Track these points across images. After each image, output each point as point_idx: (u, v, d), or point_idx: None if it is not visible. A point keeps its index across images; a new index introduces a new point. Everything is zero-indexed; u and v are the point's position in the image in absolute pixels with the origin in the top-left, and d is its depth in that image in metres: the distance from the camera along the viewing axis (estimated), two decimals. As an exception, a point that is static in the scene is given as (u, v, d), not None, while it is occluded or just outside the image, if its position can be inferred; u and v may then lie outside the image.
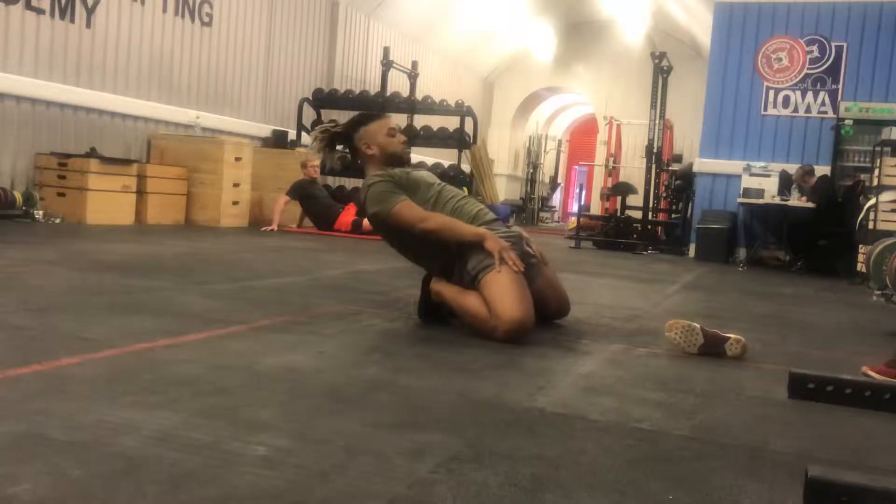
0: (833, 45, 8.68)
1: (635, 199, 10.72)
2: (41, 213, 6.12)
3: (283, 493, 1.21)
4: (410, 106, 9.63)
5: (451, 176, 8.98)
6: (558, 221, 18.26)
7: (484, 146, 12.50)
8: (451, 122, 9.69)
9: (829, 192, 7.98)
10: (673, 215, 10.75)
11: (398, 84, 10.67)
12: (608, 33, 14.99)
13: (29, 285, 3.10)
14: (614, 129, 14.12)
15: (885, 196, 6.64)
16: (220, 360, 2.08)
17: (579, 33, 15.70)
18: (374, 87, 10.73)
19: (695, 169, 9.46)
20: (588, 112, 18.21)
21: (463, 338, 2.67)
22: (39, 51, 6.44)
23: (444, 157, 10.38)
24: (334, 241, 6.98)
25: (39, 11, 6.41)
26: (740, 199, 8.64)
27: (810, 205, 7.98)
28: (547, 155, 17.91)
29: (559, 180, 19.18)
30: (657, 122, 9.70)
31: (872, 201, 6.69)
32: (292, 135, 9.55)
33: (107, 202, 6.53)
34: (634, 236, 9.65)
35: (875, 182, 6.94)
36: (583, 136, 20.29)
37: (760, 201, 8.45)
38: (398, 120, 9.78)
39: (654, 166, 9.81)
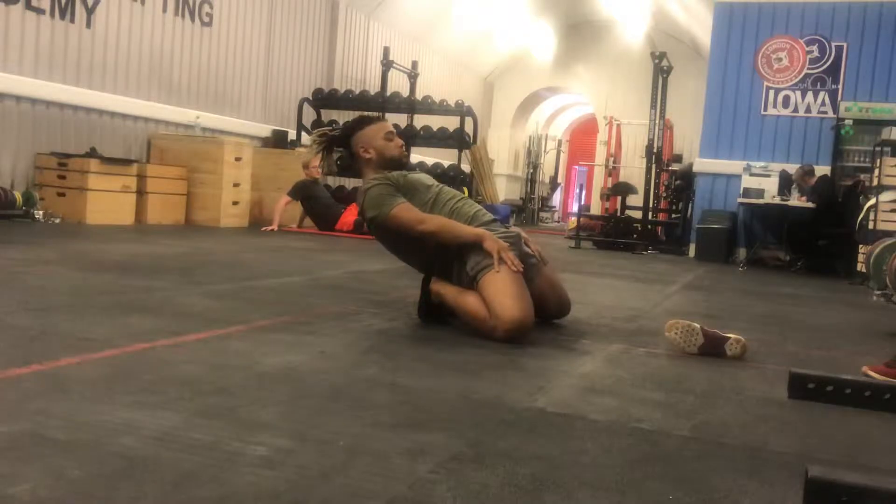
0: (833, 45, 8.68)
1: (635, 199, 10.72)
2: (41, 213, 6.12)
3: (283, 493, 1.21)
4: (410, 106, 9.63)
5: (451, 176, 8.99)
6: (558, 221, 18.26)
7: (484, 146, 12.51)
8: (451, 122, 9.69)
9: (829, 192, 7.97)
10: (673, 215, 10.75)
11: (398, 84, 10.67)
12: (608, 33, 14.99)
13: (29, 285, 3.10)
14: (614, 129, 14.12)
15: (885, 196, 6.64)
16: (220, 360, 2.08)
17: (579, 33, 15.70)
18: (374, 87, 10.73)
19: (695, 169, 9.46)
20: (588, 112, 18.21)
21: (463, 338, 2.67)
22: (39, 51, 6.44)
23: (444, 157, 10.39)
24: (334, 241, 6.98)
25: (39, 11, 6.40)
26: (740, 199, 8.64)
27: (810, 205, 7.98)
28: (547, 155, 17.92)
29: (559, 180, 19.17)
30: (657, 122, 9.70)
31: (872, 201, 6.68)
32: (292, 135, 9.55)
33: (107, 202, 6.53)
34: (634, 236, 9.65)
35: (875, 182, 6.94)
36: (583, 136, 20.29)
37: (760, 201, 8.45)
38: (398, 120, 9.84)
39: (654, 166, 9.81)
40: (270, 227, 7.51)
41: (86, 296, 2.96)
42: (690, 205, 9.62)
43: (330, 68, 10.66)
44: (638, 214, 10.16)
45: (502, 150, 16.64)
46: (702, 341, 2.68)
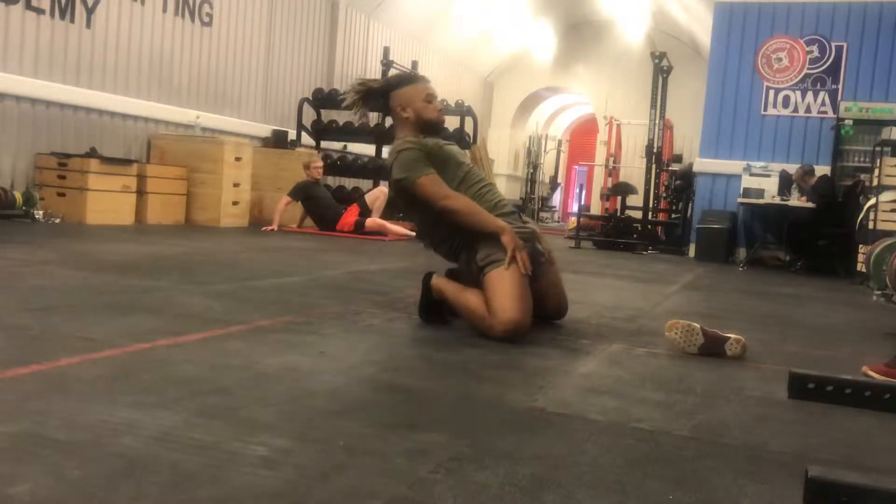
0: (833, 45, 8.68)
1: (635, 199, 10.72)
2: (41, 213, 6.12)
3: (283, 493, 1.22)
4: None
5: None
6: (558, 221, 18.26)
7: (484, 146, 12.48)
8: (451, 122, 9.68)
9: (829, 192, 7.98)
10: (673, 215, 10.75)
11: (398, 84, 10.65)
12: (608, 33, 14.98)
13: (29, 285, 3.10)
14: (614, 129, 14.12)
15: (885, 196, 6.64)
16: (220, 360, 2.08)
17: (579, 33, 15.70)
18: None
19: (695, 169, 9.46)
20: (588, 112, 18.21)
21: (463, 338, 2.67)
22: (39, 51, 6.44)
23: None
24: (335, 241, 6.98)
25: (39, 11, 6.40)
26: (740, 199, 8.64)
27: (810, 205, 7.98)
28: (547, 155, 17.91)
29: (559, 180, 19.17)
30: (657, 122, 9.70)
31: (872, 201, 6.68)
32: (292, 135, 9.55)
33: (107, 202, 6.53)
34: (634, 236, 9.65)
35: (875, 182, 6.94)
36: (583, 136, 20.29)
37: (760, 201, 8.45)
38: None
39: (654, 166, 9.81)
40: (270, 228, 7.51)
41: (86, 296, 2.96)
42: (690, 205, 9.62)
43: (330, 68, 10.66)
44: (638, 214, 10.16)
45: (502, 150, 16.64)
46: (702, 341, 2.68)
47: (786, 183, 8.42)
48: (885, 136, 7.41)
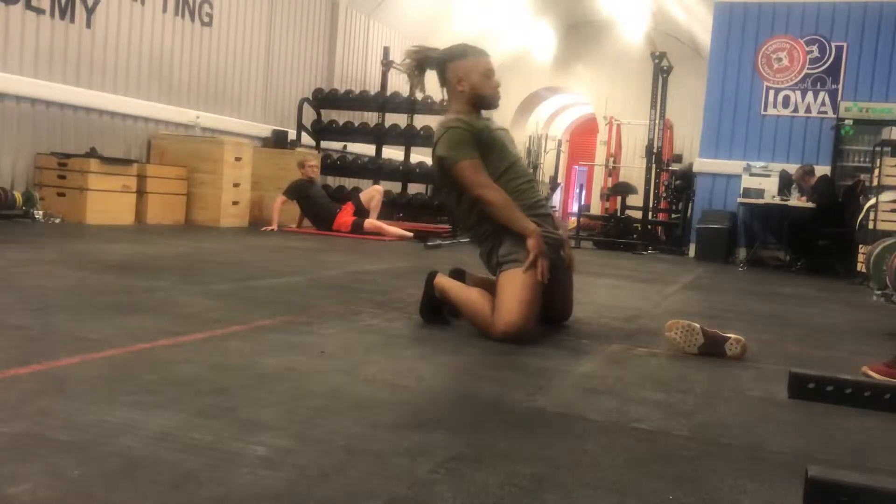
0: (833, 45, 8.68)
1: (635, 199, 10.71)
2: (41, 213, 6.12)
3: (283, 493, 1.21)
4: (410, 106, 9.62)
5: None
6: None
7: (484, 146, 12.48)
8: (451, 122, 9.68)
9: (829, 192, 7.98)
10: (673, 215, 10.75)
11: (398, 84, 10.65)
12: (608, 33, 14.97)
13: (29, 285, 3.10)
14: (614, 129, 14.12)
15: (885, 196, 6.64)
16: (220, 360, 2.08)
17: (579, 33, 15.69)
18: (374, 87, 10.73)
19: (695, 169, 9.46)
20: (588, 112, 18.19)
21: (463, 338, 2.67)
22: (39, 51, 6.44)
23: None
24: (334, 241, 6.98)
25: (39, 11, 6.40)
26: (740, 199, 8.64)
27: (810, 205, 7.98)
28: (547, 155, 17.90)
29: (559, 180, 19.16)
30: (657, 122, 9.70)
31: (872, 201, 6.69)
32: (292, 135, 9.54)
33: (107, 202, 6.53)
34: (634, 236, 9.65)
35: (875, 182, 6.94)
36: (583, 136, 20.27)
37: (760, 201, 8.45)
38: (398, 120, 9.84)
39: (654, 166, 9.81)
40: (270, 228, 7.50)
41: (86, 296, 2.96)
42: (690, 205, 9.63)
43: (330, 68, 10.66)
44: (638, 214, 10.16)
45: (502, 150, 16.60)
46: (702, 341, 2.68)
47: (786, 183, 8.43)
48: (885, 136, 7.41)
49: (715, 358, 2.65)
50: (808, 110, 8.80)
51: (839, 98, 8.60)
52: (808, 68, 8.76)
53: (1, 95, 6.17)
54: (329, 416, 1.66)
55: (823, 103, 8.74)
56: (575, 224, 9.87)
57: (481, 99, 2.94)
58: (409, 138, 9.58)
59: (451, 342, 2.60)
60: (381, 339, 2.59)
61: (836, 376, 2.14)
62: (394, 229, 7.75)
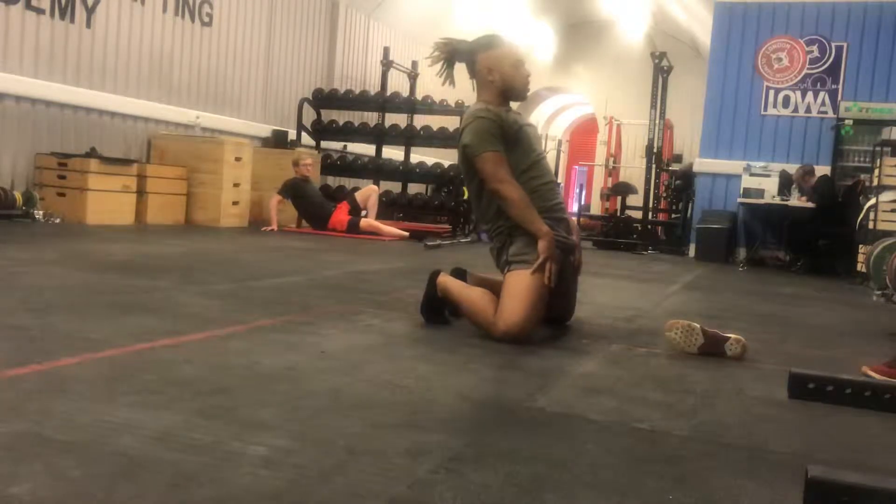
0: (833, 45, 8.68)
1: (635, 199, 10.71)
2: (41, 213, 6.12)
3: (283, 493, 1.21)
4: (410, 106, 9.63)
5: (452, 176, 8.98)
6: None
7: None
8: (452, 122, 9.68)
9: (829, 192, 7.98)
10: (673, 215, 10.75)
11: (398, 84, 10.66)
12: (608, 33, 14.98)
13: (29, 285, 3.10)
14: (614, 129, 14.12)
15: (885, 196, 6.64)
16: (220, 360, 2.08)
17: (579, 33, 15.69)
18: (374, 87, 10.73)
19: (695, 169, 9.46)
20: (588, 112, 18.19)
21: (463, 338, 2.67)
22: (39, 51, 6.44)
23: (444, 157, 10.38)
24: (334, 241, 6.98)
25: (39, 11, 6.40)
26: (740, 199, 8.64)
27: (810, 205, 7.98)
28: (547, 155, 17.90)
29: (559, 180, 19.16)
30: (657, 122, 9.69)
31: (872, 201, 6.69)
32: (292, 135, 9.55)
33: (107, 202, 6.53)
34: (634, 236, 9.65)
35: (875, 182, 6.94)
36: (583, 136, 20.27)
37: (760, 201, 8.45)
38: (398, 120, 9.84)
39: (654, 166, 9.81)
40: (270, 228, 7.50)
41: (86, 296, 2.96)
42: (690, 205, 9.62)
43: (330, 68, 10.66)
44: (638, 214, 10.16)
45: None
46: (702, 341, 2.68)
47: (786, 183, 8.42)
48: (885, 136, 7.41)
49: (715, 358, 2.65)
50: (808, 110, 8.80)
51: (839, 98, 8.60)
52: (808, 68, 8.76)
53: (1, 95, 6.17)
54: (329, 416, 1.66)
55: (823, 103, 8.74)
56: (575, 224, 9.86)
57: (511, 90, 2.93)
58: (409, 138, 9.59)
59: (451, 342, 2.60)
60: (381, 339, 2.59)
61: (836, 376, 2.14)
62: (390, 229, 7.75)
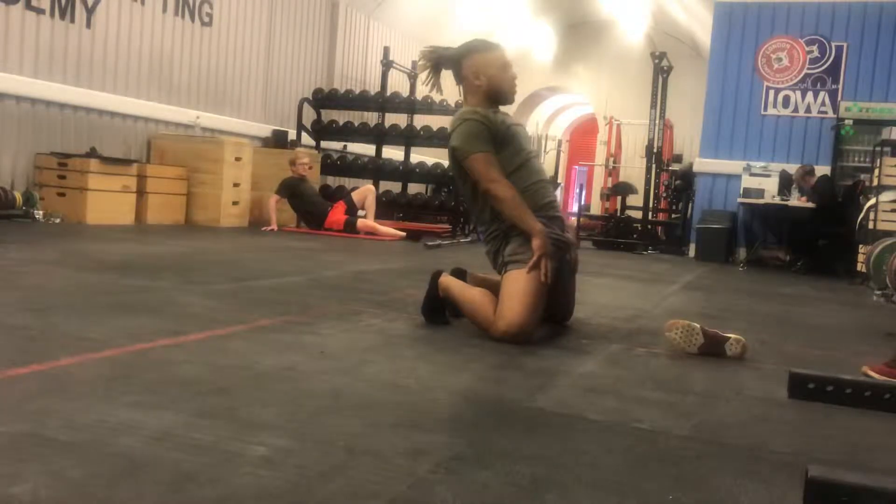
0: (833, 45, 8.68)
1: (635, 199, 10.71)
2: (41, 213, 6.12)
3: (283, 493, 1.21)
4: (410, 106, 9.62)
5: (452, 176, 8.98)
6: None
7: (484, 146, 12.48)
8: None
9: (829, 192, 7.98)
10: (673, 215, 10.75)
11: (398, 84, 10.66)
12: (608, 33, 14.98)
13: (29, 285, 3.10)
14: (614, 129, 14.11)
15: (885, 196, 6.64)
16: (220, 360, 2.08)
17: (579, 33, 15.69)
18: (374, 87, 10.72)
19: (695, 169, 9.46)
20: (588, 112, 18.19)
21: (463, 338, 2.67)
22: (39, 51, 6.44)
23: (445, 157, 10.38)
24: (334, 241, 6.98)
25: (39, 11, 6.40)
26: (740, 199, 8.64)
27: (810, 205, 7.98)
28: (547, 155, 17.89)
29: (559, 180, 19.15)
30: (657, 122, 9.69)
31: (872, 201, 6.69)
32: (292, 135, 9.54)
33: (107, 202, 6.53)
34: (634, 236, 9.65)
35: (875, 182, 6.94)
36: (583, 136, 20.27)
37: (760, 201, 8.45)
38: (398, 120, 9.83)
39: (654, 166, 9.81)
40: (270, 228, 7.51)
41: (86, 296, 2.96)
42: (690, 205, 9.62)
43: (330, 68, 10.66)
44: (638, 214, 10.16)
45: (502, 151, 16.60)
46: (702, 341, 2.68)
47: (786, 183, 8.43)
48: (885, 136, 7.41)
49: (715, 358, 2.65)
50: (808, 110, 8.80)
51: (839, 98, 8.60)
52: (808, 68, 8.76)
53: (1, 95, 6.17)
54: (329, 416, 1.66)
55: (823, 103, 8.74)
56: (575, 224, 9.86)
57: (498, 93, 2.94)
58: (409, 138, 9.58)
59: (452, 342, 2.60)
60: (381, 339, 2.59)
61: (836, 376, 2.14)
62: (387, 229, 7.75)
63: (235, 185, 7.70)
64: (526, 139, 3.02)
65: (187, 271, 4.00)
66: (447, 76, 3.07)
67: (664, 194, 11.11)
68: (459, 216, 8.98)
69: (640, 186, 10.31)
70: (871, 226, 6.57)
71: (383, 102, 9.63)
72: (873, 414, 2.04)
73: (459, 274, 3.00)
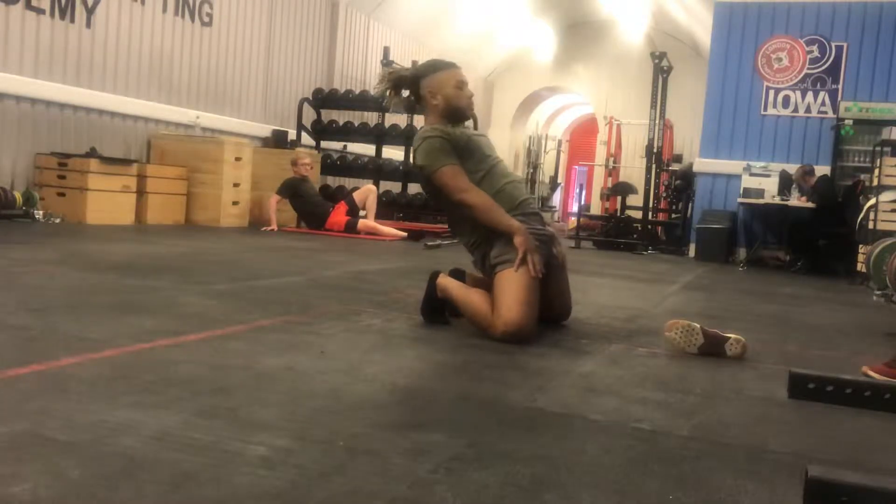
0: (833, 45, 8.68)
1: (635, 199, 10.71)
2: (41, 213, 6.12)
3: (283, 494, 1.21)
4: (410, 106, 9.60)
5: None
6: (558, 221, 18.25)
7: (484, 146, 12.48)
8: (451, 122, 9.68)
9: (829, 192, 7.98)
10: (673, 215, 10.75)
11: (398, 84, 10.65)
12: (608, 33, 14.98)
13: (29, 285, 3.10)
14: (614, 129, 14.12)
15: (885, 196, 6.64)
16: (220, 360, 2.08)
17: (579, 33, 15.69)
18: (374, 87, 10.72)
19: (695, 169, 9.46)
20: (588, 112, 18.19)
21: (463, 338, 2.67)
22: (39, 51, 6.44)
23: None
24: (334, 241, 6.98)
25: (39, 11, 6.40)
26: (740, 199, 8.64)
27: (810, 205, 7.98)
28: (547, 155, 17.90)
29: (559, 180, 19.16)
30: (657, 122, 9.70)
31: (872, 201, 6.69)
32: (292, 135, 9.55)
33: (107, 202, 6.53)
34: (634, 236, 9.65)
35: (875, 182, 6.94)
36: (583, 136, 20.28)
37: (760, 201, 8.46)
38: (398, 119, 9.83)
39: (654, 166, 9.81)
40: (270, 228, 7.51)
41: (86, 296, 2.96)
42: (690, 205, 9.62)
43: (330, 68, 10.66)
44: (638, 214, 10.16)
45: (502, 150, 16.60)
46: (702, 341, 2.68)
47: (786, 183, 8.43)
48: (885, 136, 7.41)
49: (715, 358, 2.65)
50: (808, 110, 8.80)
51: (839, 98, 8.60)
52: (808, 68, 8.76)
53: (1, 95, 6.17)
54: (329, 416, 1.66)
55: (823, 103, 8.74)
56: (575, 224, 9.86)
57: (455, 111, 3.00)
58: (409, 138, 9.56)
59: (451, 342, 2.60)
60: (381, 339, 2.59)
61: (836, 376, 2.14)
62: (388, 229, 7.75)
63: (235, 185, 7.70)
64: (489, 147, 3.06)
65: (187, 271, 4.00)
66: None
67: (664, 194, 11.11)
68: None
69: (640, 186, 10.31)
70: (871, 226, 6.57)
71: (383, 102, 9.61)
72: (873, 414, 2.04)
73: (458, 274, 3.00)
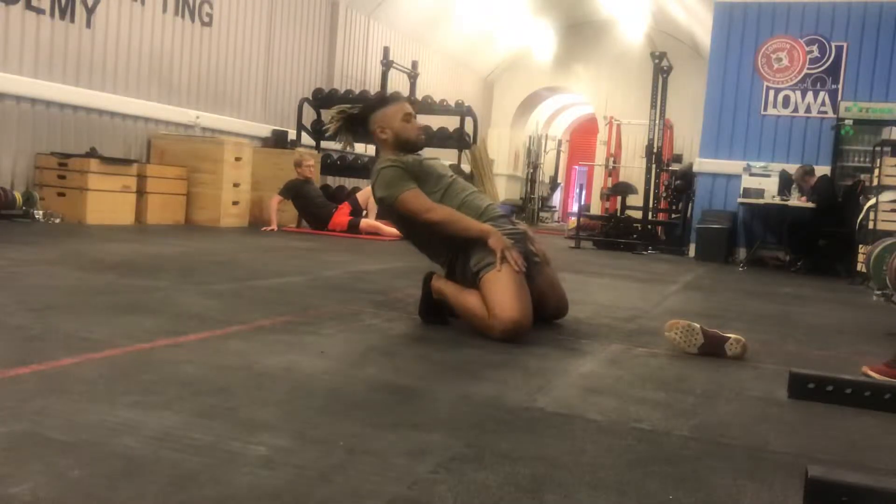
0: (833, 45, 8.68)
1: (635, 199, 10.71)
2: (41, 213, 6.12)
3: (283, 494, 1.21)
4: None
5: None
6: (558, 221, 18.25)
7: (484, 146, 12.48)
8: (451, 122, 9.69)
9: (829, 192, 7.98)
10: (673, 215, 10.75)
11: (398, 84, 10.66)
12: (608, 33, 14.99)
13: (29, 285, 3.10)
14: (614, 129, 14.12)
15: (885, 196, 6.64)
16: (220, 360, 2.08)
17: (579, 33, 15.70)
18: (374, 87, 10.73)
19: (695, 169, 9.46)
20: (588, 112, 18.21)
21: (463, 338, 2.67)
22: (39, 51, 6.44)
23: (444, 157, 10.36)
24: (334, 241, 6.98)
25: (39, 11, 6.40)
26: (740, 199, 8.64)
27: (810, 205, 7.98)
28: (547, 155, 17.90)
29: (559, 180, 19.17)
30: (657, 122, 9.69)
31: (872, 201, 6.68)
32: (292, 135, 9.55)
33: (107, 202, 6.53)
34: (634, 236, 9.65)
35: (875, 182, 6.93)
36: (583, 136, 20.29)
37: (760, 201, 8.45)
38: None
39: (654, 166, 9.81)
40: (270, 228, 7.51)
41: (86, 296, 2.96)
42: (690, 205, 9.62)
43: (330, 68, 10.66)
44: (638, 214, 10.15)
45: (502, 150, 16.63)
46: (702, 341, 2.68)
47: (786, 183, 8.42)
48: (885, 136, 7.41)
49: (715, 358, 2.65)
50: (808, 110, 8.80)
51: (839, 98, 8.60)
52: (808, 68, 8.76)
53: (1, 95, 6.17)
54: (329, 416, 1.66)
55: (823, 103, 8.74)
56: (575, 224, 9.86)
57: (405, 142, 3.07)
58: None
59: (451, 342, 2.60)
60: (381, 339, 2.59)
61: (836, 376, 2.14)
62: (390, 229, 7.74)
63: (235, 185, 7.70)
64: (442, 167, 3.14)
65: (187, 271, 4.00)
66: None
67: (664, 194, 11.11)
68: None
69: (640, 186, 10.31)
70: (871, 226, 6.57)
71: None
72: (873, 414, 2.04)
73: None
